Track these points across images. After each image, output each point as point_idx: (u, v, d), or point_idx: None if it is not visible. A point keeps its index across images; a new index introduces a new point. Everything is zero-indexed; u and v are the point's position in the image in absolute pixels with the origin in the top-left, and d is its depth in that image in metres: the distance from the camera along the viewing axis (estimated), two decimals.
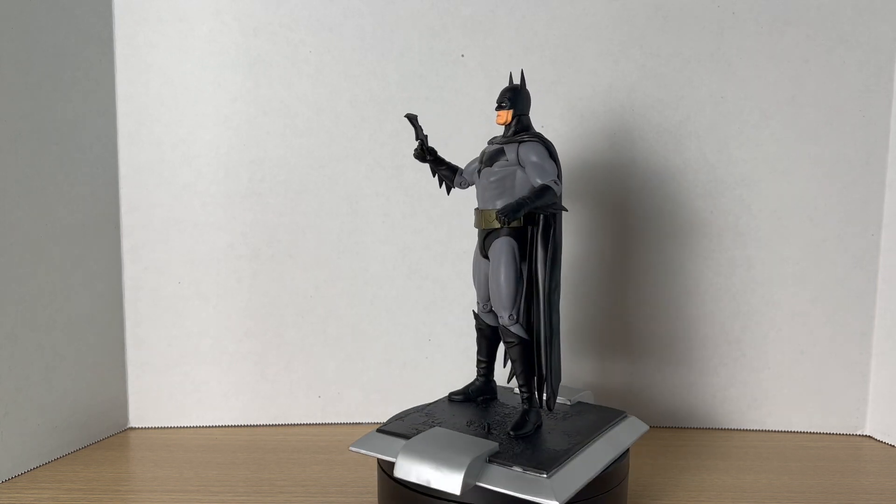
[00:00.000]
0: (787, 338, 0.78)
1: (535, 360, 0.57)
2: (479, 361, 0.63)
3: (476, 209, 0.59)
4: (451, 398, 0.63)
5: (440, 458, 0.51)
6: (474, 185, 0.60)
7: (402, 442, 0.54)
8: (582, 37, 0.76)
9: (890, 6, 0.74)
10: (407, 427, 0.57)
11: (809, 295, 0.77)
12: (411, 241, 0.78)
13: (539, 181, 0.55)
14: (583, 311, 0.79)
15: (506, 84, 0.60)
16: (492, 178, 0.57)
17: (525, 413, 0.57)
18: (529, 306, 0.57)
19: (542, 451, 0.53)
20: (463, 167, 0.62)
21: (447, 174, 0.63)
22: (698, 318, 0.78)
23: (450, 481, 0.49)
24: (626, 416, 0.63)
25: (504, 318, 0.56)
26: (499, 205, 0.57)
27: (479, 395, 0.63)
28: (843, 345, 0.78)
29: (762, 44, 0.75)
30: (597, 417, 0.61)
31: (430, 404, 0.63)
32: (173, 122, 0.75)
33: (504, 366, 0.61)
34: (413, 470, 0.51)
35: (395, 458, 0.52)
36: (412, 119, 0.61)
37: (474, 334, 0.62)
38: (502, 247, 0.57)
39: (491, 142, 0.60)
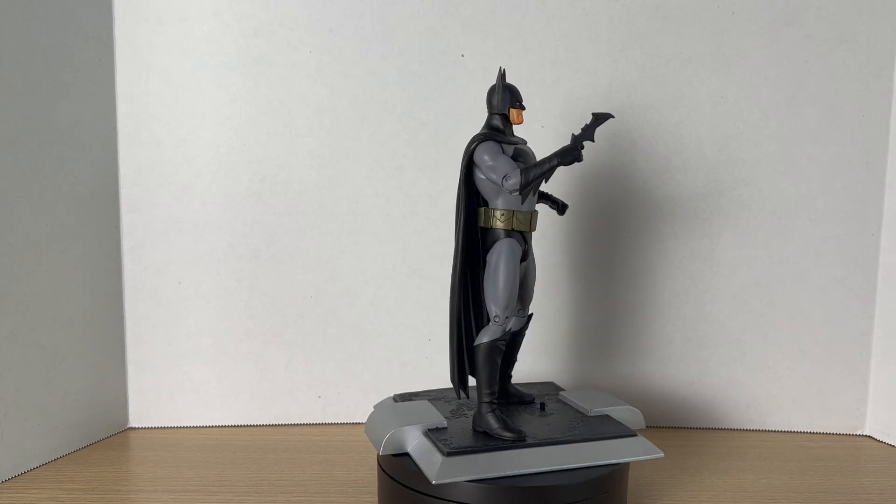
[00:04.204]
0: (787, 338, 0.78)
1: None
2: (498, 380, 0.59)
3: (529, 212, 0.57)
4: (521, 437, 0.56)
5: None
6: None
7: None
8: (582, 37, 0.76)
9: (890, 6, 0.74)
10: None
11: (809, 295, 0.77)
12: (411, 241, 0.78)
13: None
14: (583, 311, 0.79)
15: (493, 83, 0.60)
16: None
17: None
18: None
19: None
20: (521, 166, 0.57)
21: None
22: (698, 318, 0.78)
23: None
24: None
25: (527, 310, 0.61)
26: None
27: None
28: (843, 345, 0.78)
29: (762, 44, 0.75)
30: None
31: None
32: (173, 122, 0.75)
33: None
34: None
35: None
36: (603, 119, 0.57)
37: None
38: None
39: (515, 142, 0.58)
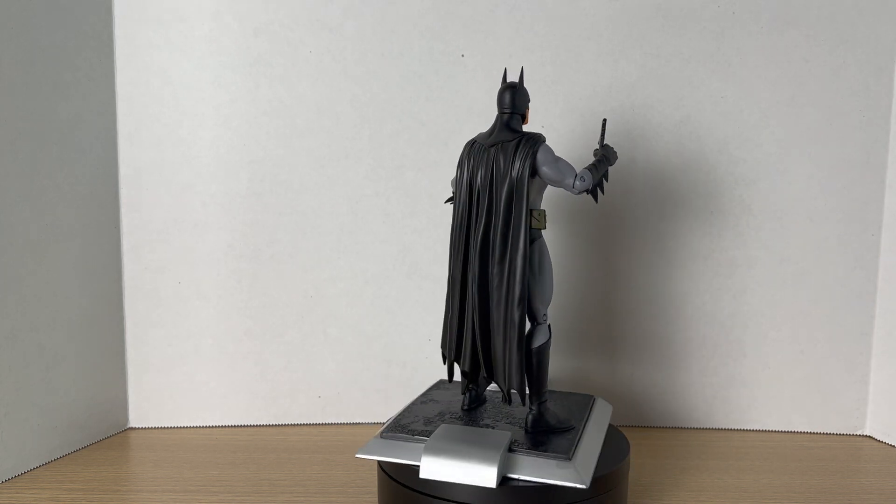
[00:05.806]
0: (787, 338, 0.78)
1: None
2: None
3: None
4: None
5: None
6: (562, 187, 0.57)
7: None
8: (582, 37, 0.76)
9: (890, 6, 0.74)
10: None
11: (809, 295, 0.77)
12: (411, 241, 0.78)
13: None
14: (583, 311, 0.79)
15: (507, 82, 0.59)
16: None
17: None
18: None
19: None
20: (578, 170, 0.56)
21: None
22: (698, 318, 0.78)
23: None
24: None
25: None
26: None
27: None
28: (843, 345, 0.78)
29: (762, 44, 0.75)
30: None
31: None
32: (173, 122, 0.75)
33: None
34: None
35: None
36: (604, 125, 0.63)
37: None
38: None
39: None
